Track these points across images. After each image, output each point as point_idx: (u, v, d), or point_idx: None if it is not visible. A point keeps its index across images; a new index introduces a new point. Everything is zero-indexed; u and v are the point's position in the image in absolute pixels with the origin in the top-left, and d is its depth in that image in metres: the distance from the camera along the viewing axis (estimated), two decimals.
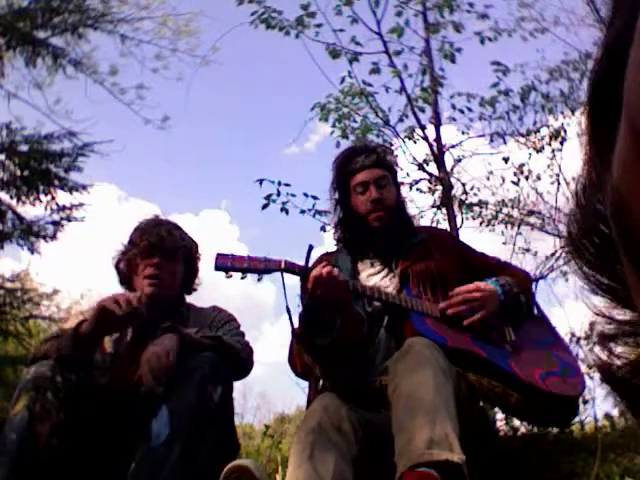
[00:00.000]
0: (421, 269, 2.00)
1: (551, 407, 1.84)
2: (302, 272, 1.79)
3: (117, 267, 2.20)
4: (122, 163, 25.52)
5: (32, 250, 5.95)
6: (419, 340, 1.69)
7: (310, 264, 1.82)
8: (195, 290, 2.29)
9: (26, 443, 1.65)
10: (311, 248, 1.78)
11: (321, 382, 1.94)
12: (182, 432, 1.69)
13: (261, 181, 4.64)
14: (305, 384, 2.19)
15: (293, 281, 1.90)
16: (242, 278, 1.74)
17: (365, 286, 1.88)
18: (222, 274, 1.73)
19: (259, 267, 1.75)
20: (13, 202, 5.93)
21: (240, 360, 1.97)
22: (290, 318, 1.80)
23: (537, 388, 1.81)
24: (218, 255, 1.73)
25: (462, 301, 1.92)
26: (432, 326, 1.85)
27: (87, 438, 1.76)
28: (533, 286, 2.28)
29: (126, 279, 2.18)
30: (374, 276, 2.06)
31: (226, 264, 1.73)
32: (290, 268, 1.78)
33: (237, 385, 2.03)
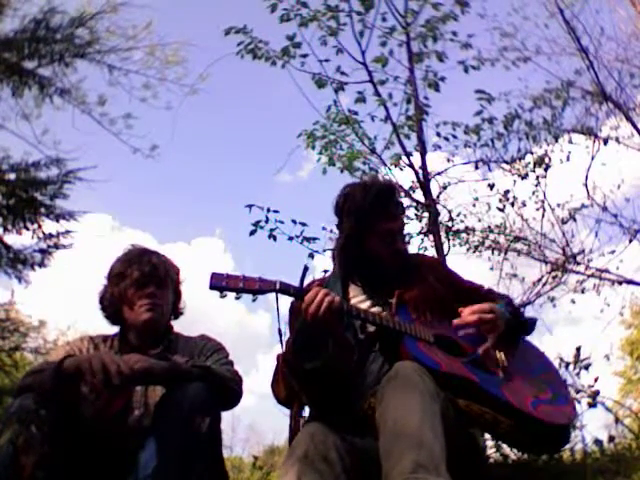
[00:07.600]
0: (418, 295, 2.01)
1: (542, 435, 1.84)
2: (297, 293, 1.78)
3: (102, 301, 2.17)
4: (116, 193, 25.52)
5: (20, 279, 5.90)
6: (406, 364, 1.69)
7: (304, 286, 1.80)
8: (182, 314, 2.28)
9: (10, 476, 1.62)
10: (306, 269, 1.77)
11: (306, 410, 1.92)
12: (170, 463, 1.67)
13: (250, 207, 4.71)
14: None
15: (285, 308, 1.88)
16: (237, 298, 1.73)
17: (359, 308, 1.87)
18: (214, 299, 1.72)
19: (254, 287, 1.72)
20: None
21: (229, 390, 1.95)
22: (281, 340, 1.79)
23: (529, 416, 1.81)
24: (213, 274, 1.70)
25: (478, 320, 1.91)
26: (425, 350, 1.85)
27: (73, 471, 1.73)
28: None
29: (114, 312, 2.15)
30: (365, 302, 2.06)
31: (221, 283, 1.71)
32: (285, 289, 1.76)
33: (226, 417, 2.00)
